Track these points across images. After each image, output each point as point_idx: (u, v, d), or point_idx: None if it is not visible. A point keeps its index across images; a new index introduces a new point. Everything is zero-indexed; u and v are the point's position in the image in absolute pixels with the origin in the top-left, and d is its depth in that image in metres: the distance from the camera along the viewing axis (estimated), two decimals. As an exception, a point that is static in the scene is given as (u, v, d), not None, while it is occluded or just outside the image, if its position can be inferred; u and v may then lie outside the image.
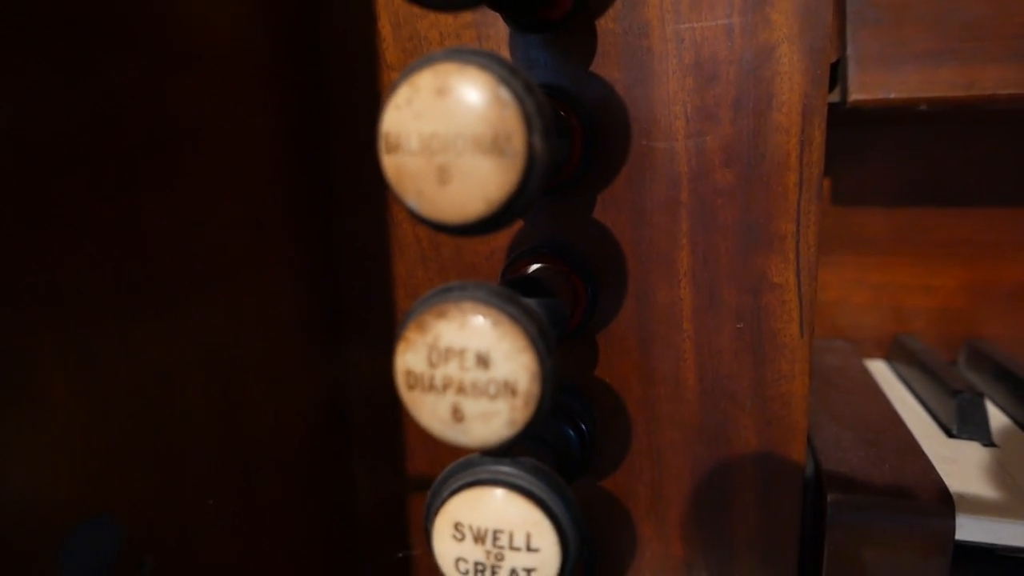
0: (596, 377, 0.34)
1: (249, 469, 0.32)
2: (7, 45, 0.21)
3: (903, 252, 0.51)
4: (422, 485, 0.40)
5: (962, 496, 0.31)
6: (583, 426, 0.33)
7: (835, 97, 0.40)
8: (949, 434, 0.38)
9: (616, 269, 0.33)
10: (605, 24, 0.31)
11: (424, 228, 0.36)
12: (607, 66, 0.31)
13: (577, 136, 0.31)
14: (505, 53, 0.32)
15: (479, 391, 0.22)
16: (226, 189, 0.30)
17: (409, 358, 0.23)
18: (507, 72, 0.21)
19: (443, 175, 0.21)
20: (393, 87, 0.22)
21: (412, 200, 0.22)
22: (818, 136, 0.29)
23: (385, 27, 0.34)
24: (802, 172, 0.30)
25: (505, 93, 0.20)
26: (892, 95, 0.36)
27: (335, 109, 0.36)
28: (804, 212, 0.30)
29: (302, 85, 0.34)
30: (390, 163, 0.22)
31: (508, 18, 0.31)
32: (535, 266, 0.33)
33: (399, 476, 0.40)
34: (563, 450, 0.33)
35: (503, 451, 0.25)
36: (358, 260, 0.37)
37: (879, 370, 0.50)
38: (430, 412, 0.23)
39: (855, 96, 0.37)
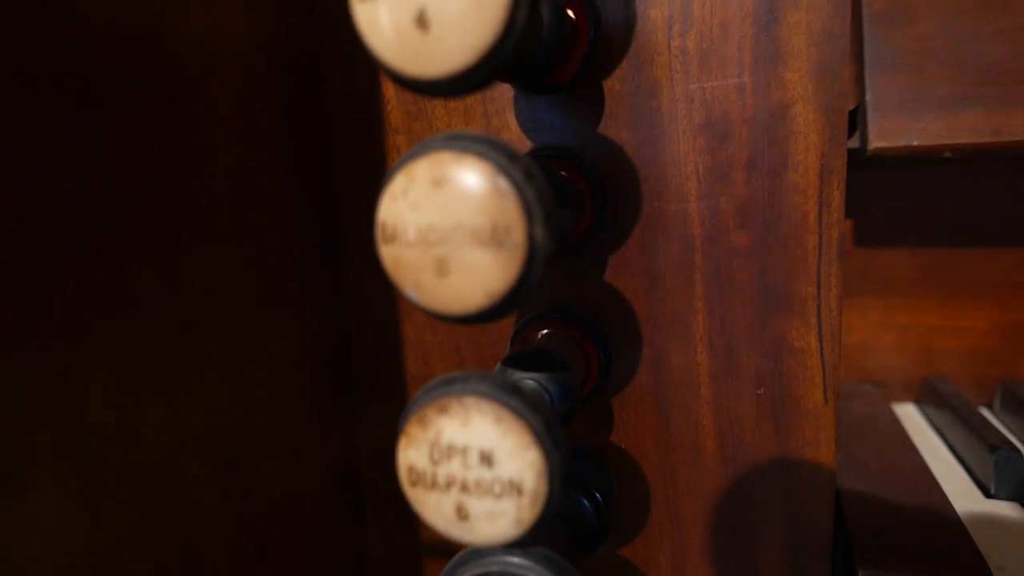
0: (612, 443, 0.33)
1: (263, 539, 0.31)
2: (18, 118, 0.21)
3: (931, 293, 0.49)
4: (435, 546, 0.39)
5: (1003, 572, 0.29)
6: (599, 495, 0.32)
7: (855, 143, 0.38)
8: (987, 493, 0.37)
9: (630, 333, 0.32)
10: (612, 85, 0.30)
11: (432, 290, 0.35)
12: (615, 127, 0.30)
13: (586, 199, 0.30)
14: (511, 116, 0.32)
15: (484, 490, 0.21)
16: (234, 263, 0.29)
17: (411, 454, 0.22)
18: (506, 160, 0.20)
19: (442, 267, 0.20)
20: (389, 175, 0.21)
21: (411, 291, 0.21)
22: (837, 197, 0.28)
23: (389, 90, 0.34)
24: (821, 234, 0.28)
25: (504, 183, 0.20)
26: (914, 142, 0.35)
27: (341, 173, 0.35)
28: (825, 275, 0.29)
29: (307, 152, 0.34)
30: (387, 253, 0.21)
31: (514, 83, 0.30)
32: (545, 331, 0.32)
33: (412, 537, 0.39)
34: (578, 522, 0.31)
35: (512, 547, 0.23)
36: (367, 324, 0.36)
37: (909, 415, 0.48)
38: (434, 510, 0.22)
39: (876, 144, 0.35)
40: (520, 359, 0.28)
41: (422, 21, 0.19)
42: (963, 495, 0.37)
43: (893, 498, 0.34)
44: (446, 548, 0.38)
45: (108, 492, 0.24)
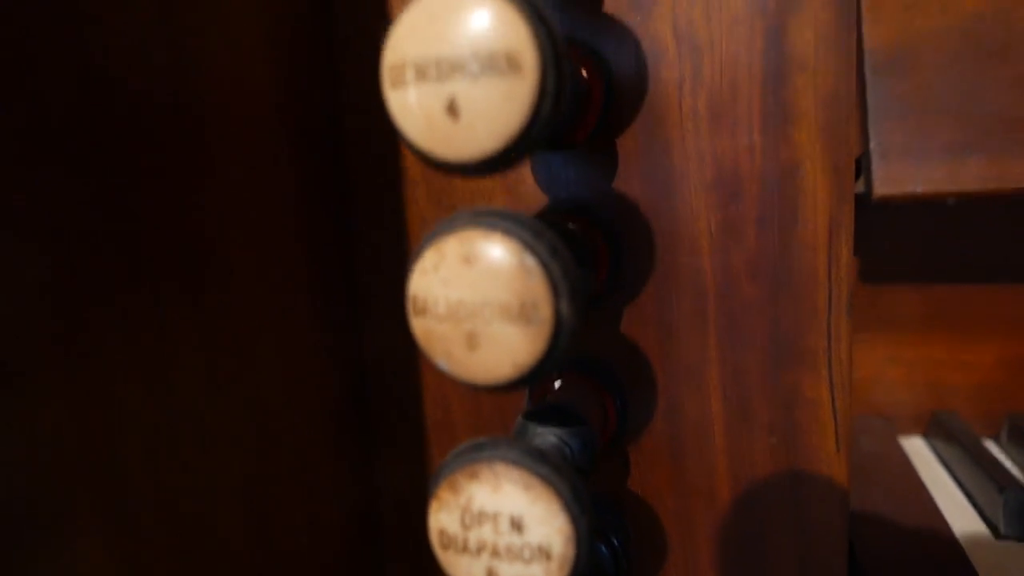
0: (629, 489, 0.34)
1: (282, 595, 0.32)
2: (36, 159, 0.21)
3: (937, 328, 0.50)
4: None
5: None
6: (616, 541, 0.33)
7: (860, 187, 0.39)
8: (996, 533, 0.37)
9: (645, 383, 0.32)
10: (625, 142, 0.31)
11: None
12: (629, 183, 0.31)
13: (601, 254, 0.31)
14: (527, 171, 0.33)
15: (514, 555, 0.21)
16: (258, 313, 0.30)
17: (443, 518, 0.22)
18: (532, 237, 0.21)
19: (472, 341, 0.21)
20: (419, 250, 0.22)
21: (442, 361, 0.22)
22: (845, 253, 0.29)
23: (407, 144, 0.34)
24: (831, 288, 0.29)
25: (530, 260, 0.20)
26: (919, 189, 0.35)
27: (360, 221, 0.36)
28: (835, 328, 0.29)
29: (328, 200, 0.35)
30: (419, 326, 0.22)
31: (529, 141, 0.31)
32: (560, 383, 0.32)
33: (431, 580, 0.39)
34: (597, 569, 0.32)
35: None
36: (386, 371, 0.37)
37: (917, 449, 0.49)
38: (465, 573, 0.22)
39: (880, 191, 0.36)
40: (540, 414, 0.29)
41: (452, 109, 0.20)
42: (972, 534, 0.37)
43: (904, 539, 0.34)
44: (465, 591, 0.38)
45: (144, 541, 0.24)
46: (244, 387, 0.30)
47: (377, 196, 0.36)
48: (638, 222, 0.31)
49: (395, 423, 0.38)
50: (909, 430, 0.52)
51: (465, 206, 0.34)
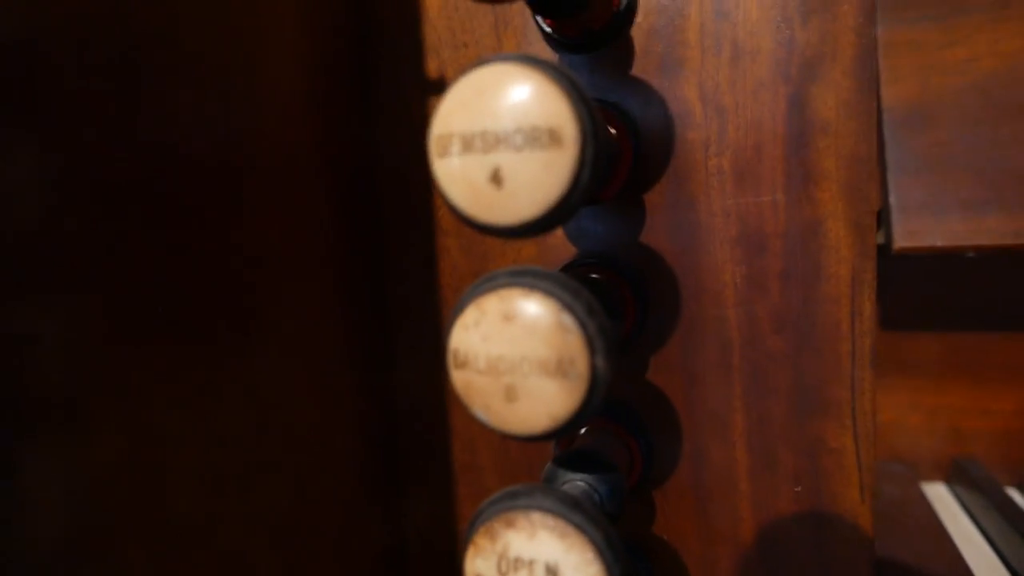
0: (654, 534, 0.34)
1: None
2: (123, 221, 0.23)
3: (958, 376, 0.50)
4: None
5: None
6: (642, 585, 0.33)
7: (880, 239, 0.40)
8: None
9: (671, 429, 0.33)
10: (653, 198, 0.32)
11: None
12: (656, 237, 0.32)
13: (628, 304, 0.32)
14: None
15: (548, 602, 0.22)
16: (298, 361, 0.32)
17: (479, 564, 0.23)
18: (570, 297, 0.22)
19: (510, 394, 0.22)
20: (460, 307, 0.23)
21: (480, 412, 0.23)
22: (868, 307, 0.30)
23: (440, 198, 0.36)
24: (854, 341, 0.30)
25: (568, 319, 0.22)
26: (938, 243, 0.36)
27: (394, 274, 0.38)
28: (859, 380, 0.30)
29: (362, 252, 0.36)
30: (459, 378, 0.23)
31: (560, 195, 0.32)
32: (586, 428, 0.33)
33: (456, 621, 0.40)
34: (624, 614, 0.33)
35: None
36: (416, 413, 0.38)
37: (940, 496, 0.49)
38: (500, 619, 0.23)
39: (900, 244, 0.37)
40: (569, 460, 0.29)
41: (496, 179, 0.21)
42: (997, 585, 0.37)
43: (930, 590, 0.34)
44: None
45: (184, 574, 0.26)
46: (283, 425, 0.31)
47: (411, 245, 0.37)
48: (664, 273, 0.32)
49: (424, 464, 0.39)
50: (930, 475, 0.52)
51: (495, 255, 0.36)
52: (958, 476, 0.49)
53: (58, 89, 0.21)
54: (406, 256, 0.37)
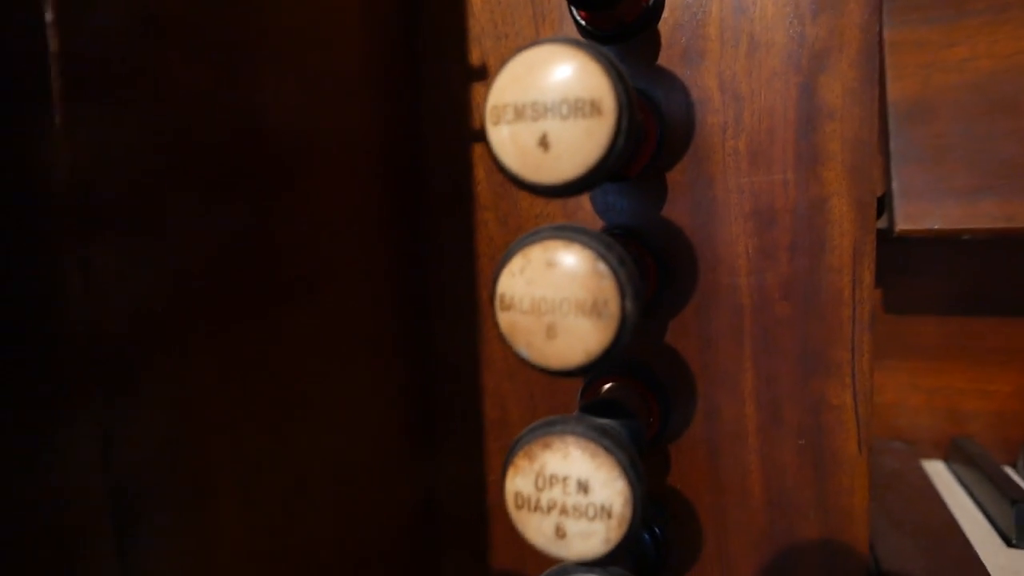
0: (668, 485, 0.37)
1: (364, 564, 0.36)
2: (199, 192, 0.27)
3: (956, 358, 0.53)
4: (504, 578, 0.43)
5: (1021, 609, 0.33)
6: (657, 530, 0.37)
7: (883, 223, 0.43)
8: (1008, 543, 0.40)
9: (686, 388, 0.36)
10: (674, 176, 0.35)
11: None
12: (676, 211, 0.36)
13: (651, 273, 0.35)
14: (585, 199, 0.37)
15: (579, 513, 0.26)
16: (353, 318, 0.35)
17: (518, 482, 0.27)
18: (604, 248, 0.25)
19: (550, 331, 0.26)
20: (507, 257, 0.26)
21: (522, 349, 0.26)
22: (867, 276, 0.33)
23: (480, 172, 0.40)
24: (854, 307, 0.33)
25: (602, 266, 0.25)
26: (936, 226, 0.40)
27: (433, 244, 0.41)
28: (858, 342, 0.33)
29: (407, 221, 0.40)
30: (504, 319, 0.27)
31: (590, 172, 0.36)
32: (611, 384, 0.37)
33: (482, 568, 0.43)
34: (640, 553, 0.36)
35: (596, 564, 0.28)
36: (451, 374, 0.41)
37: (937, 472, 0.52)
38: (536, 529, 0.26)
39: (901, 226, 0.40)
40: (595, 407, 0.33)
41: (544, 143, 0.25)
42: (987, 544, 0.40)
43: (922, 543, 0.37)
44: (515, 578, 0.42)
45: (262, 509, 0.29)
46: (339, 376, 0.34)
47: (451, 218, 0.41)
48: (683, 245, 0.36)
49: (455, 420, 0.42)
50: (929, 454, 0.55)
51: (529, 228, 0.39)
52: (956, 454, 0.52)
53: (166, 68, 0.25)
54: (447, 228, 0.41)
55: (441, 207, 0.41)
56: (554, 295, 0.25)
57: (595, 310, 0.25)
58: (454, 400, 0.42)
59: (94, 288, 0.22)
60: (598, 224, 0.37)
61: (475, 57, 0.39)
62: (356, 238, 0.36)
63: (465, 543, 0.43)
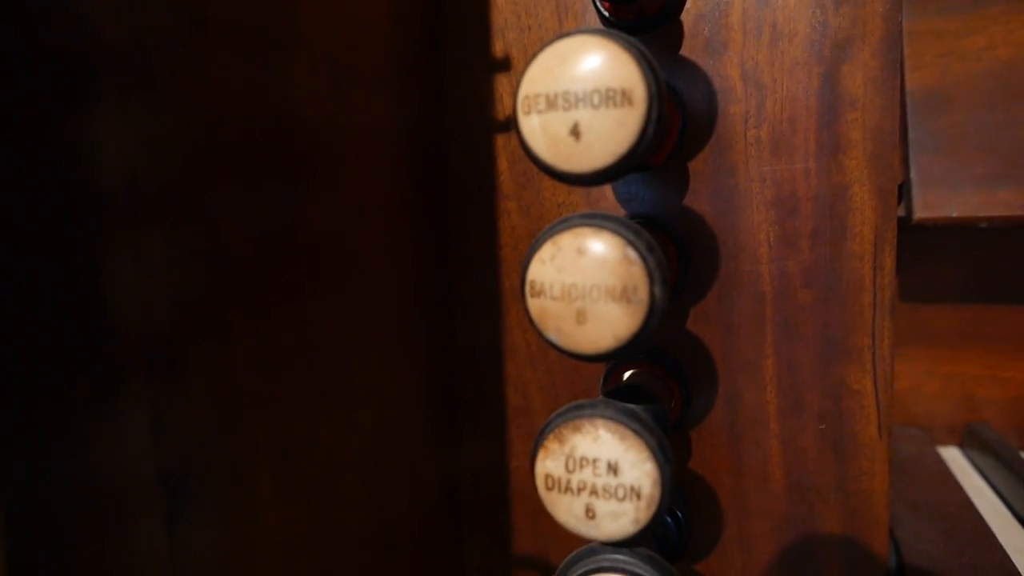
0: (690, 469, 0.38)
1: (392, 546, 0.37)
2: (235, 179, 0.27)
3: (972, 345, 0.53)
4: (526, 561, 0.44)
5: (1039, 590, 0.34)
6: (680, 513, 0.37)
7: (901, 212, 0.44)
8: (1025, 526, 0.41)
9: (707, 374, 0.37)
10: (696, 166, 0.36)
11: (533, 334, 0.41)
12: (698, 200, 0.36)
13: (673, 261, 0.36)
14: (608, 188, 0.38)
15: (609, 494, 0.26)
16: (381, 308, 0.36)
17: (549, 464, 0.27)
18: (633, 235, 0.26)
19: (580, 317, 0.26)
20: (537, 243, 0.27)
21: (553, 335, 0.27)
22: (888, 263, 0.33)
23: (503, 163, 0.40)
24: (875, 294, 0.34)
25: (632, 253, 0.25)
26: (954, 214, 0.40)
27: (457, 233, 0.42)
28: (879, 328, 0.34)
29: (432, 213, 0.41)
30: (534, 305, 0.27)
31: (613, 162, 0.36)
32: (633, 371, 0.37)
33: (505, 555, 0.44)
34: (663, 536, 0.36)
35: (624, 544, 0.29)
36: (474, 362, 0.42)
37: (953, 458, 0.52)
38: (566, 510, 0.27)
39: (920, 214, 0.41)
40: (620, 393, 0.33)
41: (575, 132, 0.25)
42: (1003, 527, 0.41)
43: (940, 526, 0.38)
44: (538, 563, 0.43)
45: (297, 492, 0.30)
46: (369, 365, 0.35)
47: (474, 207, 0.41)
48: (705, 233, 0.36)
49: (479, 407, 0.43)
50: (944, 440, 0.55)
51: (551, 217, 0.40)
52: (971, 440, 0.52)
53: (209, 63, 0.25)
54: (470, 217, 0.41)
55: (464, 197, 0.41)
56: (584, 281, 0.26)
57: (624, 296, 0.25)
58: (477, 388, 0.43)
59: (142, 277, 0.23)
60: (621, 213, 0.38)
61: (498, 49, 0.39)
62: (384, 228, 0.37)
63: (488, 529, 0.43)
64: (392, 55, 0.37)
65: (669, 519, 0.37)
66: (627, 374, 0.37)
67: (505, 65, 0.39)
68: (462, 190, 0.41)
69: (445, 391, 0.42)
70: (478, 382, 0.42)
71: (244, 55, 0.26)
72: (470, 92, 0.40)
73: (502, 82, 0.39)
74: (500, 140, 0.40)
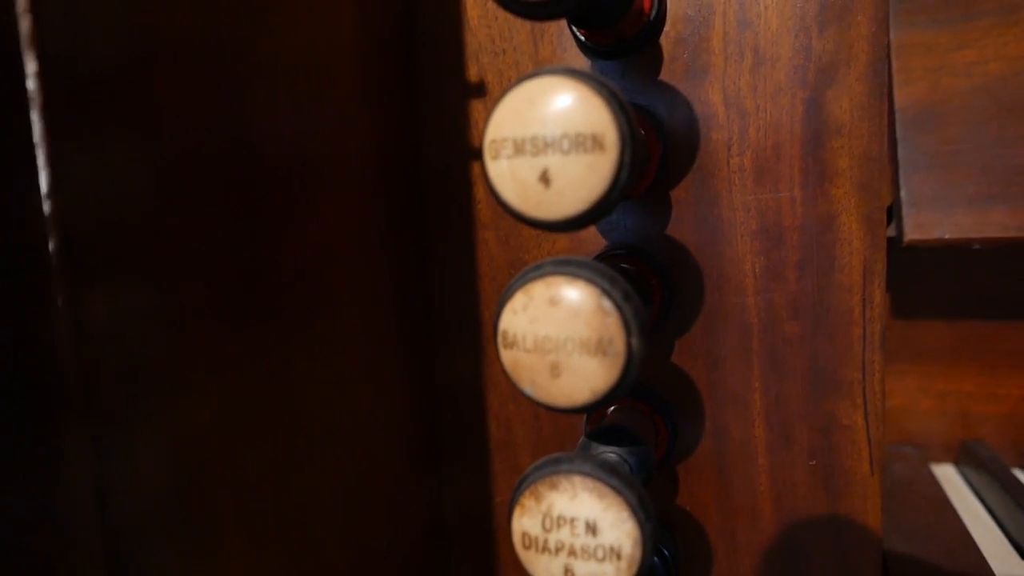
0: (678, 506, 0.37)
1: (366, 594, 0.36)
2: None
3: (967, 362, 0.52)
4: (512, 597, 0.42)
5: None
6: (667, 552, 0.36)
7: (892, 232, 0.43)
8: (1021, 553, 0.40)
9: (694, 408, 0.36)
10: (678, 194, 0.35)
11: (515, 365, 0.39)
12: (681, 229, 0.35)
13: (655, 292, 0.35)
14: (588, 217, 0.36)
15: (588, 555, 0.25)
16: (358, 345, 0.34)
17: (525, 522, 0.26)
18: (608, 283, 0.24)
19: (555, 370, 0.25)
20: (509, 293, 0.26)
21: (527, 387, 0.26)
22: (878, 295, 0.32)
23: (480, 191, 0.39)
24: (865, 326, 0.32)
25: (607, 303, 0.24)
26: (946, 236, 0.39)
27: (435, 263, 0.40)
28: (869, 362, 0.33)
29: (409, 244, 0.39)
30: (507, 356, 0.26)
31: (592, 191, 0.35)
32: (616, 407, 0.36)
33: (490, 587, 0.43)
34: (651, 575, 0.35)
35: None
36: (455, 395, 0.41)
37: (948, 476, 0.51)
38: (544, 570, 0.26)
39: (911, 236, 0.40)
40: (602, 434, 0.32)
41: (545, 179, 0.24)
42: (1000, 556, 0.40)
43: (936, 560, 0.37)
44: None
45: (267, 552, 0.29)
46: (345, 403, 0.34)
47: (451, 237, 0.40)
48: (688, 264, 0.35)
49: (461, 441, 0.42)
50: (939, 458, 0.54)
51: (530, 247, 0.38)
52: (966, 457, 0.51)
53: (160, 100, 0.24)
54: (447, 247, 0.40)
55: (442, 226, 0.40)
56: (558, 333, 0.25)
57: (600, 348, 0.24)
58: (459, 422, 0.41)
59: (85, 332, 0.21)
60: (602, 244, 0.37)
61: (472, 73, 0.38)
62: (358, 259, 0.35)
63: (474, 565, 0.42)
64: (362, 82, 0.35)
65: (656, 559, 0.36)
66: (611, 410, 0.36)
67: (479, 90, 0.38)
68: (439, 219, 0.40)
69: (427, 426, 0.41)
70: (460, 416, 0.41)
71: (196, 86, 0.25)
72: (445, 118, 0.39)
73: (477, 107, 0.38)
74: (476, 168, 0.38)
